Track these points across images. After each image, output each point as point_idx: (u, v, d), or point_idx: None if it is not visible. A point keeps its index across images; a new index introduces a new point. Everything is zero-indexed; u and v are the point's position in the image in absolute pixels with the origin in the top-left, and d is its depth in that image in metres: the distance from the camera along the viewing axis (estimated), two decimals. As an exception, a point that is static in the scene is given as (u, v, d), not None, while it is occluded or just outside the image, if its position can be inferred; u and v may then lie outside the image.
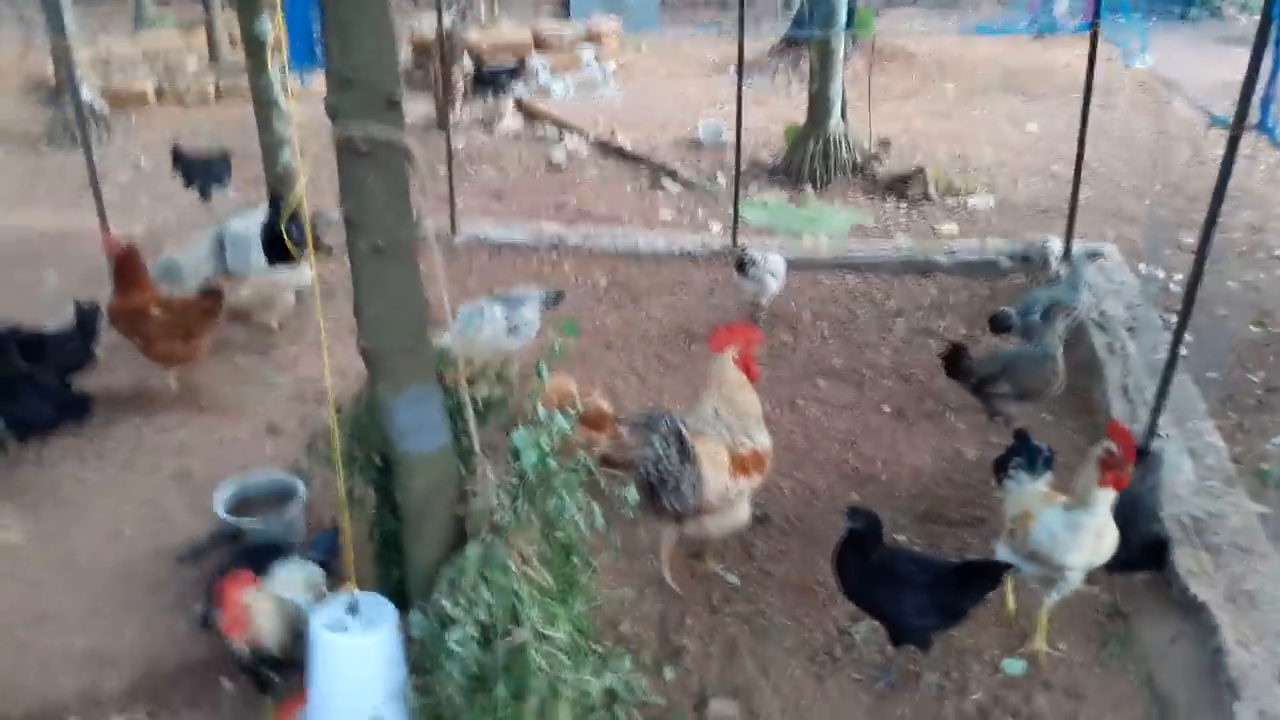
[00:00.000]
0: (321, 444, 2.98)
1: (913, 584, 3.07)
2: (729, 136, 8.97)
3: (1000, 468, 3.54)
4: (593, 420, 4.20)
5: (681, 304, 6.15)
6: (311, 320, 5.80)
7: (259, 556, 3.23)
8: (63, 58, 8.79)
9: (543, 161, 9.06)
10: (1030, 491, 3.36)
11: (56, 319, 5.05)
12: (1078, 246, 6.07)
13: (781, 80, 11.97)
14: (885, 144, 8.54)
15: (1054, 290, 5.17)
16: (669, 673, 3.18)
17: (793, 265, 5.92)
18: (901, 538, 3.85)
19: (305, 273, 5.73)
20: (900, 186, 7.98)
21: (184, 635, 3.41)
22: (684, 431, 3.33)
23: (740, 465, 3.39)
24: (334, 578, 3.22)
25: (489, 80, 10.02)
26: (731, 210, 6.81)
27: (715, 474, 3.33)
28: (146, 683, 3.22)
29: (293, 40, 2.45)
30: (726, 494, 3.37)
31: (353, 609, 2.64)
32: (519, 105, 10.10)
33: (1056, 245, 6.23)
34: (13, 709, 3.08)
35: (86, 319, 4.75)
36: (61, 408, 4.42)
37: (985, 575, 3.13)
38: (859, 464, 4.40)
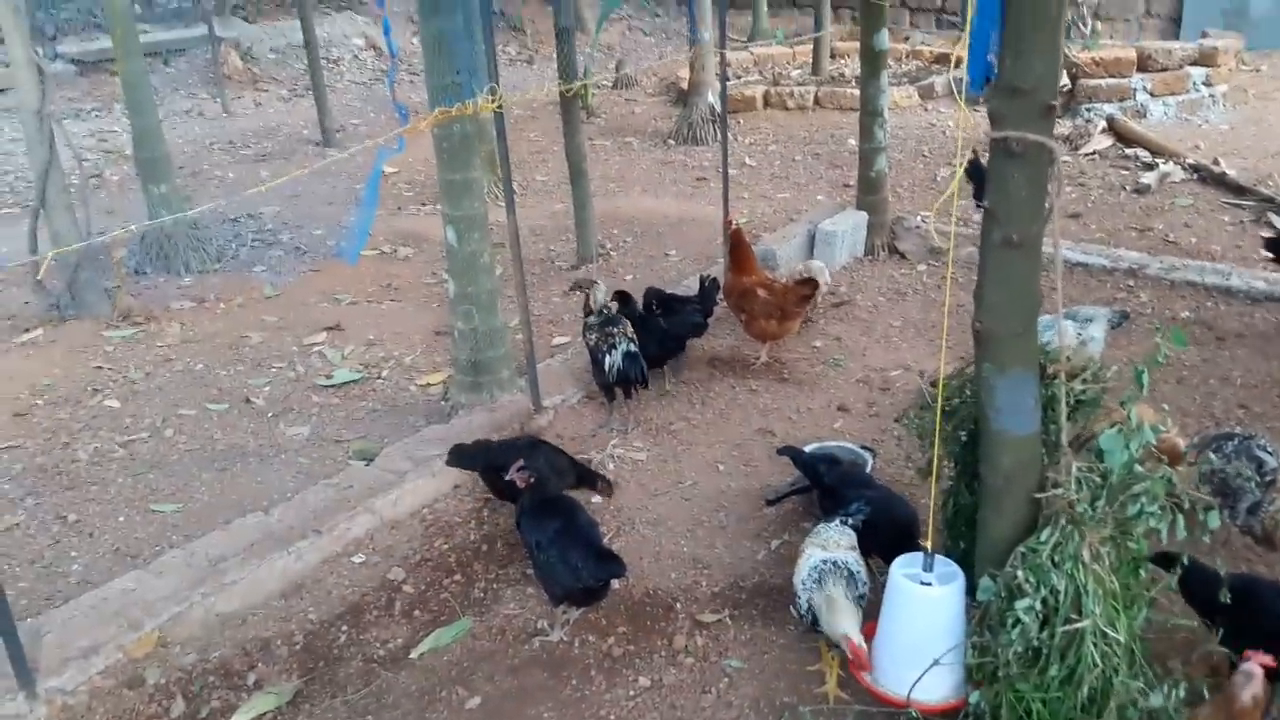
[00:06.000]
0: (912, 415, 3.39)
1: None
2: (1364, 172, 7.92)
3: None
4: (1164, 453, 4.13)
5: (1276, 351, 5.64)
6: (882, 316, 6.29)
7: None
8: (702, 65, 10.29)
9: (1128, 184, 8.69)
10: None
11: (675, 289, 6.08)
12: None
13: None
14: None
15: None
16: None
17: None
18: None
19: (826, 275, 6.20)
20: None
21: (762, 562, 4.04)
22: (1260, 454, 3.29)
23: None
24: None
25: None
26: (1358, 255, 6.05)
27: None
28: (731, 592, 3.87)
29: (972, 56, 2.82)
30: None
31: (928, 565, 3.01)
32: (1110, 125, 9.72)
33: None
34: (636, 588, 3.90)
35: (707, 290, 5.65)
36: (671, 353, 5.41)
37: None
38: None
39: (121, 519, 4.55)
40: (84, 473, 4.93)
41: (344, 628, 3.78)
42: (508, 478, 3.84)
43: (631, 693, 3.40)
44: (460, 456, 4.36)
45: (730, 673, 3.46)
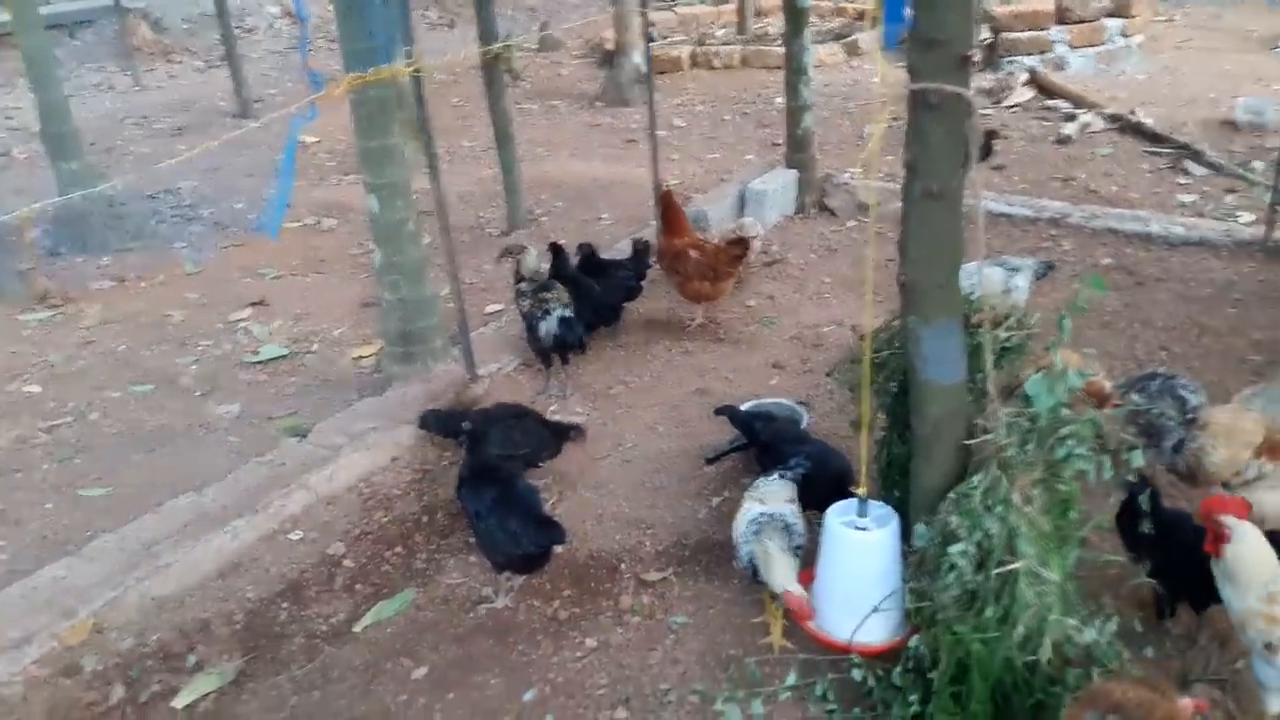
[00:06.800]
0: (844, 369, 3.43)
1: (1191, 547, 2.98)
2: (1273, 117, 8.17)
3: None
4: (1091, 396, 4.23)
5: (1194, 294, 5.82)
6: (814, 273, 6.34)
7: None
8: (626, 26, 10.19)
9: (1050, 136, 8.84)
10: None
11: (609, 252, 6.04)
12: None
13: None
14: None
15: None
16: (1150, 651, 3.18)
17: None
18: None
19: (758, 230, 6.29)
20: None
21: (704, 519, 4.07)
22: (1183, 393, 3.38)
23: (1273, 450, 3.34)
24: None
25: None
26: (1268, 199, 6.25)
27: (1225, 445, 3.32)
28: (674, 550, 3.91)
29: (888, 12, 2.81)
30: (1242, 472, 3.33)
31: (862, 511, 3.06)
32: (1032, 78, 9.87)
33: None
34: (580, 550, 3.92)
35: (640, 254, 5.64)
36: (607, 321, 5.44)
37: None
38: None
39: (49, 506, 4.42)
40: (6, 460, 4.77)
41: (284, 605, 3.73)
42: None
43: (579, 654, 3.42)
44: (437, 421, 4.39)
45: (676, 629, 3.50)
